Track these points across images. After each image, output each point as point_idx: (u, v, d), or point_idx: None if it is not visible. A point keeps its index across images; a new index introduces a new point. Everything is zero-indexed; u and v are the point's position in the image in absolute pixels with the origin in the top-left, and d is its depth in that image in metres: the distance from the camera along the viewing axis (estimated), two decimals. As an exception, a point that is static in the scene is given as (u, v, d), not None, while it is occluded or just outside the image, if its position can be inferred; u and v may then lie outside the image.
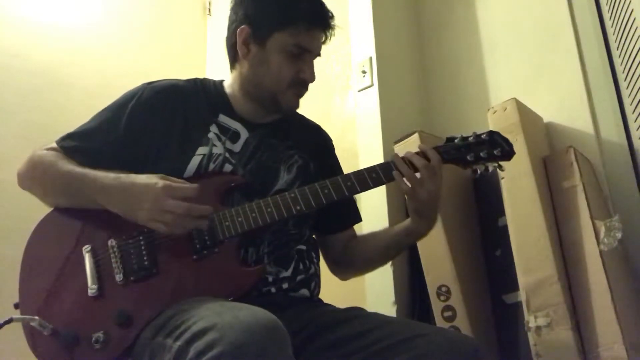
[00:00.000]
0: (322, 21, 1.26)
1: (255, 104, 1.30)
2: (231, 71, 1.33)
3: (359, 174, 1.19)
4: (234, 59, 1.31)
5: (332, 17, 1.28)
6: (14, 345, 1.15)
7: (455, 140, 1.22)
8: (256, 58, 1.25)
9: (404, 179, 1.16)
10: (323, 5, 1.29)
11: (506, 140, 1.22)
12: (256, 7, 1.26)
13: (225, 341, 0.82)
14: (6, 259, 1.41)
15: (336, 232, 1.38)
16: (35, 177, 1.21)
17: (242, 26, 1.25)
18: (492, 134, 1.22)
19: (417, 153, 1.19)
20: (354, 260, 1.37)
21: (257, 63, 1.25)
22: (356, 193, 1.21)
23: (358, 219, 1.44)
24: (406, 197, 1.20)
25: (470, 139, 1.22)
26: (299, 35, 1.23)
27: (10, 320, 1.05)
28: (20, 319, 1.06)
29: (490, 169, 1.24)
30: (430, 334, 1.07)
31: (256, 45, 1.25)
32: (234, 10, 1.30)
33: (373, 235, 1.37)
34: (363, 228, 1.49)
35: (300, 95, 1.30)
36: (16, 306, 1.12)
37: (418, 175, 1.16)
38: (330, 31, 1.28)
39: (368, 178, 1.18)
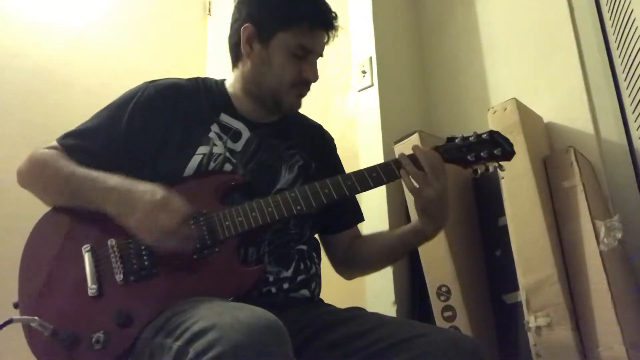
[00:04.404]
0: (326, 22, 1.26)
1: (257, 103, 1.30)
2: (233, 70, 1.33)
3: (359, 173, 1.19)
4: (236, 57, 1.31)
5: (335, 17, 1.28)
6: (14, 345, 1.14)
7: (456, 140, 1.22)
8: (259, 57, 1.25)
9: (410, 177, 1.16)
10: (327, 6, 1.28)
11: (507, 140, 1.22)
12: (261, 6, 1.25)
13: (225, 341, 0.81)
14: (5, 259, 1.40)
15: (339, 231, 1.38)
16: (35, 175, 1.21)
17: (246, 24, 1.25)
18: (492, 133, 1.22)
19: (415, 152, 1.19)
20: (358, 260, 1.37)
21: (260, 62, 1.25)
22: (357, 192, 1.21)
23: (360, 218, 1.44)
24: (413, 196, 1.19)
25: (471, 138, 1.22)
26: (302, 35, 1.23)
27: (10, 321, 1.04)
28: (19, 320, 1.06)
29: (491, 168, 1.23)
30: (430, 334, 1.07)
31: (259, 44, 1.24)
32: (237, 8, 1.29)
33: (379, 235, 1.37)
34: (363, 228, 1.49)
35: (302, 95, 1.29)
36: (15, 306, 1.12)
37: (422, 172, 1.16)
38: (333, 32, 1.28)
39: (368, 177, 1.18)
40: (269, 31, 1.23)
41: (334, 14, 1.28)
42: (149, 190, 1.07)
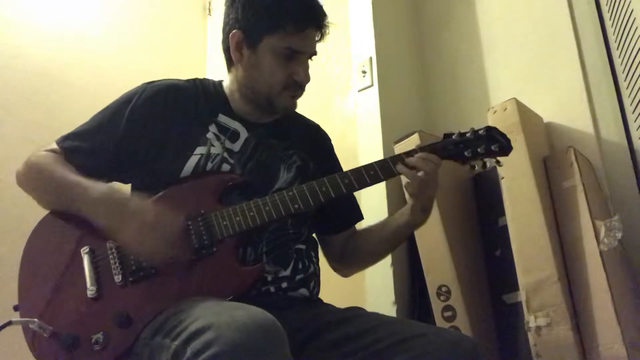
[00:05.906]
0: (311, 20, 1.24)
1: (253, 105, 1.29)
2: (228, 73, 1.33)
3: (356, 171, 1.19)
4: (229, 62, 1.30)
5: (323, 14, 1.25)
6: (14, 347, 1.15)
7: (453, 137, 1.23)
8: (249, 62, 1.25)
9: (408, 174, 1.17)
10: (312, 3, 1.26)
11: (504, 136, 1.22)
12: (245, 11, 1.24)
13: (222, 341, 0.81)
14: (5, 259, 1.41)
15: (339, 231, 1.38)
16: (31, 179, 1.21)
17: (234, 31, 1.24)
18: (489, 129, 1.22)
19: (414, 150, 1.20)
20: (355, 256, 1.37)
21: (250, 67, 1.25)
22: (354, 191, 1.21)
23: (360, 217, 1.44)
24: (409, 192, 1.21)
25: (468, 134, 1.22)
26: (289, 37, 1.21)
27: (9, 323, 1.05)
28: (19, 322, 1.06)
29: (489, 164, 1.23)
30: (430, 334, 1.07)
31: (248, 49, 1.24)
32: (226, 13, 1.28)
33: (373, 230, 1.37)
34: (363, 225, 1.48)
35: (296, 96, 1.29)
36: (15, 309, 1.12)
37: (420, 174, 1.17)
38: (323, 29, 1.26)
39: (366, 175, 1.18)
40: (255, 36, 1.22)
41: (320, 11, 1.25)
42: (139, 210, 1.07)
